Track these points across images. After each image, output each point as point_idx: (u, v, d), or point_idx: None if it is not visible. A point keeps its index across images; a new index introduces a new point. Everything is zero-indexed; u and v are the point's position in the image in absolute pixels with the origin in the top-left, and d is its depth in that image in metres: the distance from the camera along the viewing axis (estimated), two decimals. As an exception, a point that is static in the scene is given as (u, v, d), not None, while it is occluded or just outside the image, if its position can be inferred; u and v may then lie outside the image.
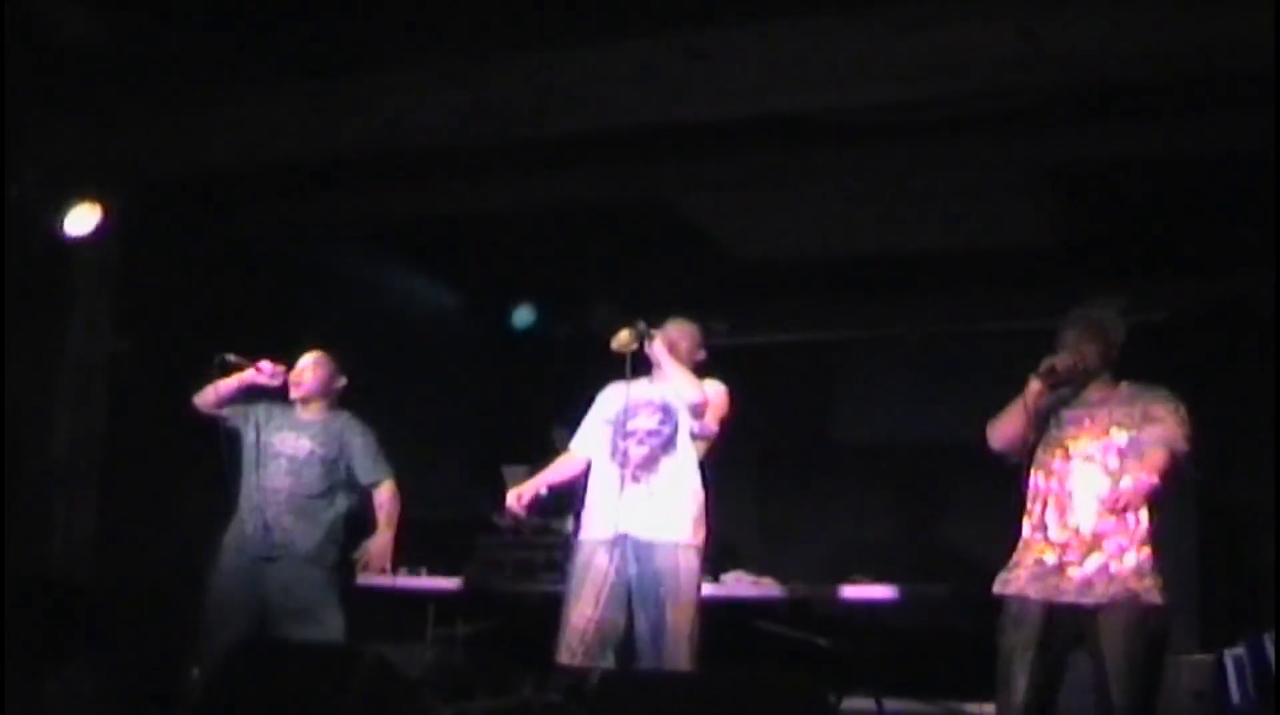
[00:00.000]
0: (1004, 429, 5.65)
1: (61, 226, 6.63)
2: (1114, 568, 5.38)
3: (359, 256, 8.84)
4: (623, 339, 6.22)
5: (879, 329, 9.63)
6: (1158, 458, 5.35)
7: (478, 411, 9.86)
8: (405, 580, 7.95)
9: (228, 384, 6.74)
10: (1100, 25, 5.35)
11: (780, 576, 7.83)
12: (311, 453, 6.81)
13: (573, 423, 6.61)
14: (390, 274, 9.27)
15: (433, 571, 8.20)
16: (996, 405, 5.68)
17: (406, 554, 7.95)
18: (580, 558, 6.20)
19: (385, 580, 7.40)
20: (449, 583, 8.09)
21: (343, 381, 7.00)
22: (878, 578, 7.56)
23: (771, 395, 9.51)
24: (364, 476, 6.92)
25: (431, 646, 7.88)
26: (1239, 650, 6.88)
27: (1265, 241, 7.44)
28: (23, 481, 6.60)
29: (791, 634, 7.37)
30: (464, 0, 5.79)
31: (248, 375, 6.75)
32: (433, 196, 7.90)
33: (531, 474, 7.08)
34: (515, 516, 6.58)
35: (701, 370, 6.35)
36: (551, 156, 7.11)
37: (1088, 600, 5.36)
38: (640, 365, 6.32)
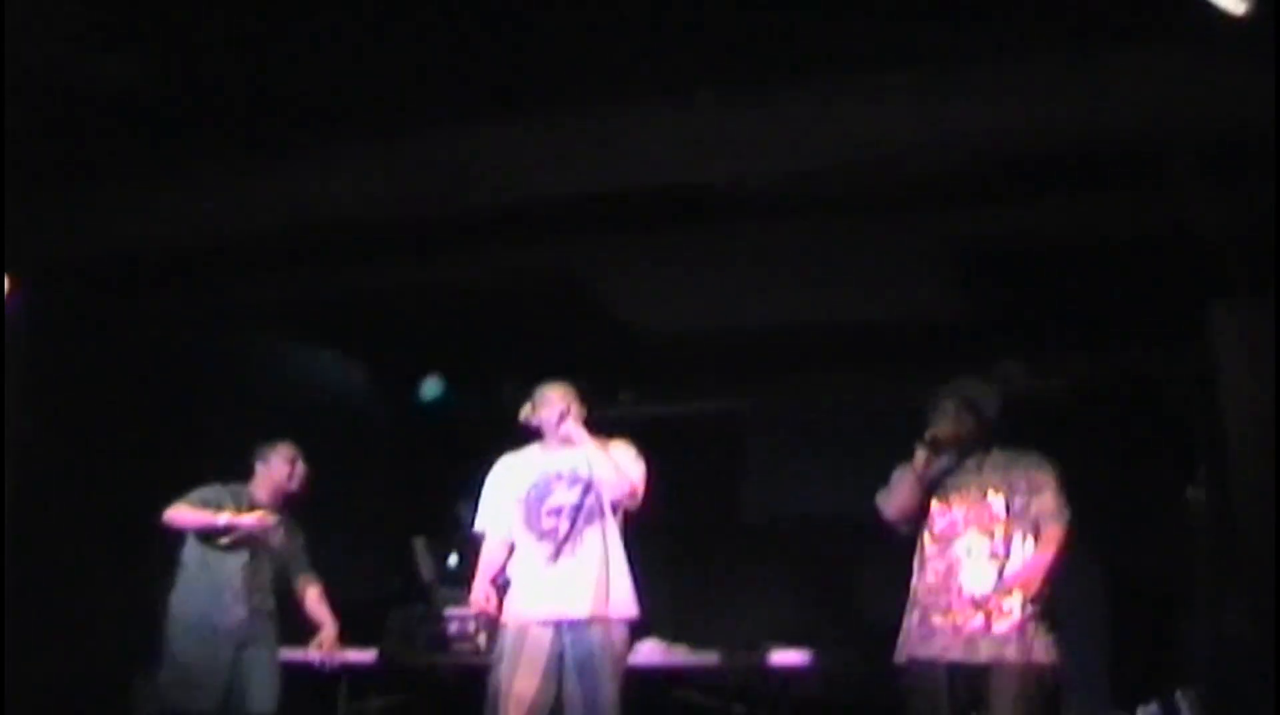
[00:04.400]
0: (896, 500, 5.95)
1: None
2: (997, 627, 5.58)
3: (267, 335, 8.83)
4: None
5: (786, 401, 9.73)
6: (1055, 532, 5.65)
7: (387, 486, 9.83)
8: (317, 654, 7.91)
9: (204, 519, 6.87)
10: (1001, 103, 5.47)
11: (693, 644, 7.85)
12: (279, 541, 7.07)
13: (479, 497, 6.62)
14: (297, 351, 9.26)
15: (345, 644, 8.15)
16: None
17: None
18: (512, 637, 6.19)
19: (298, 655, 7.38)
20: (362, 656, 8.04)
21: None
22: (792, 644, 7.60)
23: (681, 466, 9.57)
24: (302, 571, 7.21)
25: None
26: (1152, 708, 6.98)
27: (1165, 315, 7.61)
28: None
29: (706, 702, 7.39)
30: (374, 80, 5.83)
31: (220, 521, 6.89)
32: (340, 273, 7.89)
33: (437, 546, 7.19)
34: (488, 615, 6.51)
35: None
36: (458, 232, 7.14)
37: (977, 659, 5.55)
38: (528, 432, 6.45)
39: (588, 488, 6.28)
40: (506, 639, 6.22)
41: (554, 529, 6.26)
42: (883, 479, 6.07)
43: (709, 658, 7.64)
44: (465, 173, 6.27)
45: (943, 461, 5.93)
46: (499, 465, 6.57)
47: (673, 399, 9.73)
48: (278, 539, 7.06)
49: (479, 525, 6.54)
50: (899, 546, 5.98)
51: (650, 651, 7.56)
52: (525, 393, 6.51)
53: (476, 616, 6.76)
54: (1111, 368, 8.70)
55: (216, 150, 6.40)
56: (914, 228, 7.11)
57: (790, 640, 7.60)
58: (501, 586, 6.40)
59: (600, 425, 6.48)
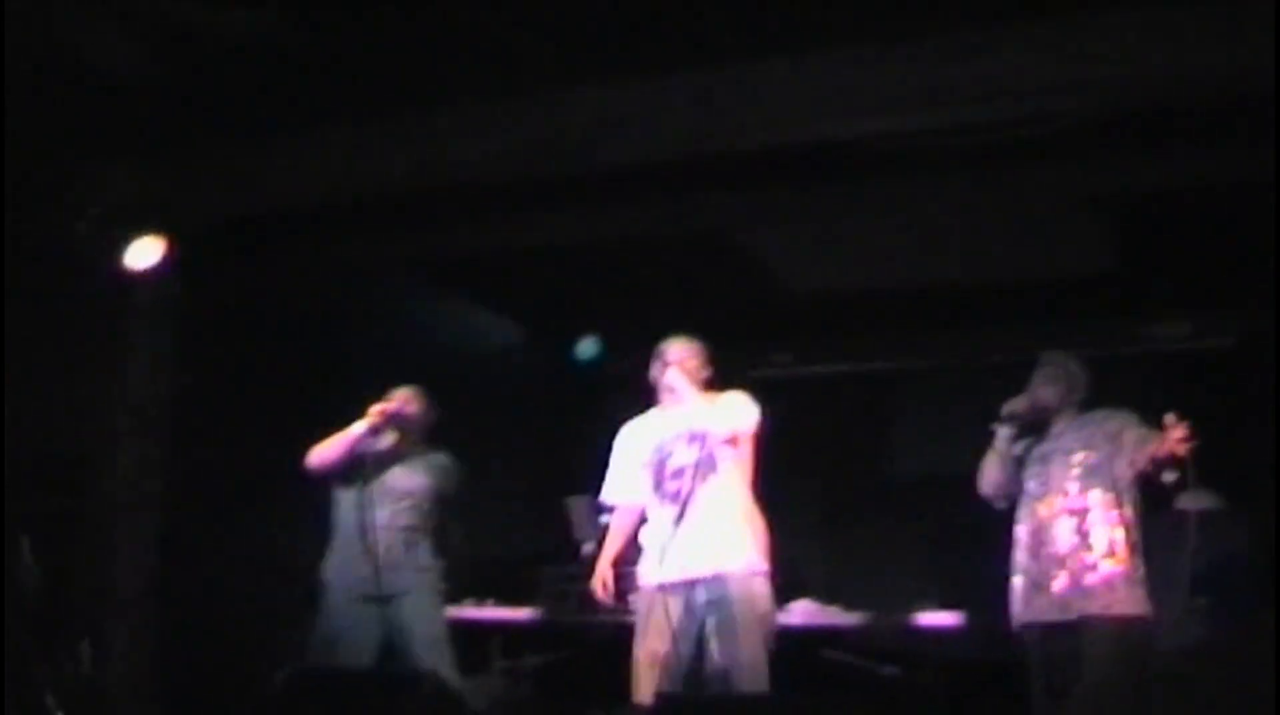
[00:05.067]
0: (987, 475, 6.08)
1: (123, 262, 6.68)
2: (1087, 581, 5.63)
3: (420, 292, 8.88)
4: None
5: (939, 359, 9.62)
6: (1123, 470, 5.68)
7: (542, 444, 9.87)
8: (472, 612, 7.96)
9: (342, 443, 6.70)
10: (1146, 49, 5.32)
11: (846, 605, 7.80)
12: (427, 487, 6.87)
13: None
14: (451, 309, 9.32)
15: (499, 603, 8.20)
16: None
17: (473, 586, 7.98)
18: (645, 602, 6.11)
19: (452, 611, 7.44)
20: (516, 614, 8.09)
21: (435, 414, 7.02)
22: (943, 606, 7.54)
23: (833, 425, 9.51)
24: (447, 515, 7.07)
25: (499, 679, 7.87)
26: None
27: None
28: (86, 517, 6.63)
29: (858, 662, 7.33)
30: (517, 35, 5.80)
31: (359, 429, 6.71)
32: (491, 231, 7.92)
33: (590, 505, 7.16)
34: (610, 604, 6.55)
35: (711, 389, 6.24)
36: (607, 189, 7.13)
37: (1069, 617, 5.62)
38: (651, 394, 6.32)
39: (703, 443, 6.11)
40: (640, 605, 6.16)
41: (679, 490, 6.10)
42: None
43: (861, 619, 7.60)
44: (613, 128, 6.22)
45: (1030, 435, 5.99)
46: (623, 432, 6.47)
47: (825, 359, 9.67)
48: (420, 472, 6.89)
49: (605, 497, 6.50)
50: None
51: (803, 612, 7.53)
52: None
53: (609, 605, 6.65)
54: (1265, 322, 8.47)
55: (363, 108, 6.41)
56: (1065, 182, 6.98)
57: (941, 601, 7.54)
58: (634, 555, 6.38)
59: (752, 386, 6.39)
